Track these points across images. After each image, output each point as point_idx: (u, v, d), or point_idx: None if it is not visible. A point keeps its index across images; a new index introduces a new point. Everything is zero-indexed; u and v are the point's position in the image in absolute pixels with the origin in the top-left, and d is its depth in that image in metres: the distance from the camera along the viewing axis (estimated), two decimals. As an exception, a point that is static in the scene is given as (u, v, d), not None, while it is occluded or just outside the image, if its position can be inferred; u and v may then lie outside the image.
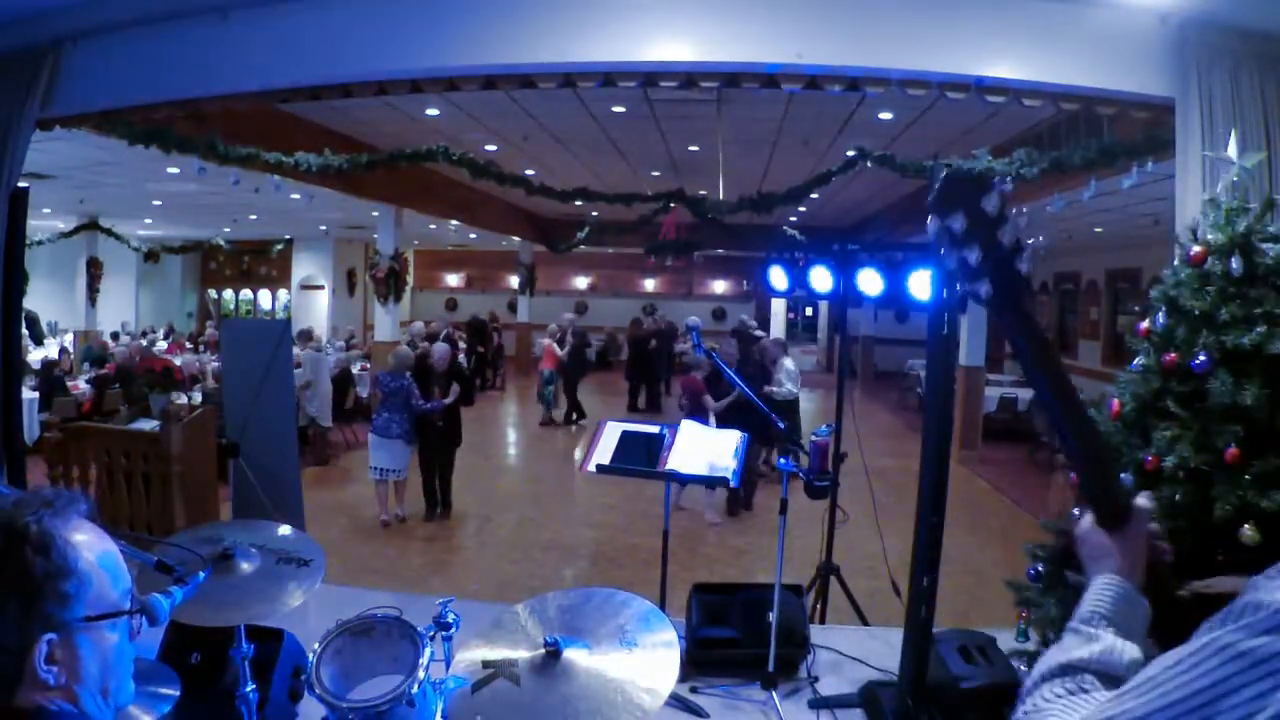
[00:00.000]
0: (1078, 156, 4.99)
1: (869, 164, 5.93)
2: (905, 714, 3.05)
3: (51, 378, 9.49)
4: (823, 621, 4.41)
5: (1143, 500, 1.00)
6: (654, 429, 4.19)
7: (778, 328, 17.97)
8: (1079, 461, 1.01)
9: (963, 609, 4.89)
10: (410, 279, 14.94)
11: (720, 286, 21.54)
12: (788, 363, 8.14)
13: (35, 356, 11.77)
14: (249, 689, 2.35)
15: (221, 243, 15.14)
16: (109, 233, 13.75)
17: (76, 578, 0.89)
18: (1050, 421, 1.01)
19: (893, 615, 4.09)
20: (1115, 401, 2.57)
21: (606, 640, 1.92)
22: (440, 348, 7.29)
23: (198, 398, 8.81)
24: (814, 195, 7.32)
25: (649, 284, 21.64)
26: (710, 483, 3.82)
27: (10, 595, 0.86)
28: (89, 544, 0.93)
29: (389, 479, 6.80)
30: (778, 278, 4.61)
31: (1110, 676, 0.86)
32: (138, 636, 1.01)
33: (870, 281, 3.96)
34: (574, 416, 12.18)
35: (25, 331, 12.99)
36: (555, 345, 11.82)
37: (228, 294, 20.36)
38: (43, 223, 13.27)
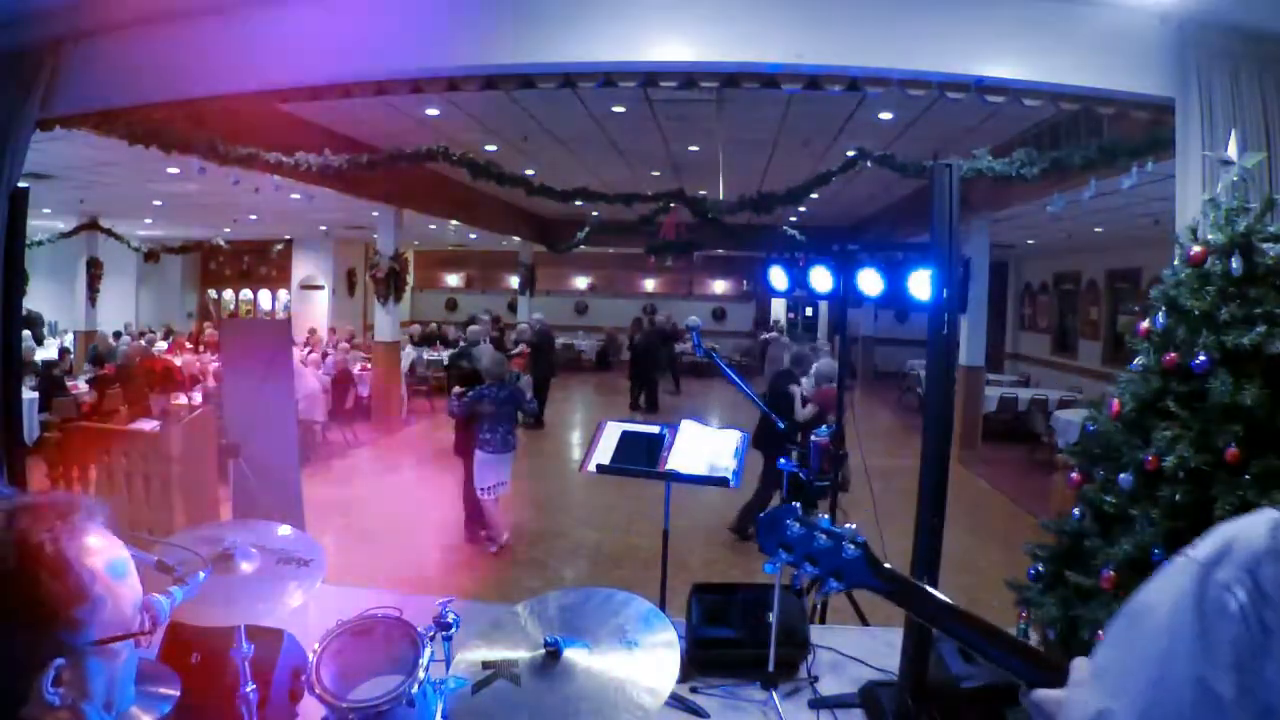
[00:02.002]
0: (1078, 156, 4.99)
1: (869, 164, 5.92)
2: (905, 714, 3.05)
3: (51, 378, 9.49)
4: (823, 621, 4.41)
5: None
6: (654, 429, 4.19)
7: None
8: (1007, 665, 1.07)
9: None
10: (410, 279, 14.94)
11: (720, 286, 21.53)
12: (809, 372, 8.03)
13: (36, 357, 11.78)
14: (249, 689, 2.35)
15: (221, 243, 15.13)
16: (109, 233, 13.74)
17: (91, 603, 0.85)
18: (968, 643, 1.14)
19: (893, 615, 4.09)
20: (1115, 401, 2.57)
21: (606, 640, 1.92)
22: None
23: (198, 398, 8.81)
24: (814, 195, 7.31)
25: (649, 284, 21.63)
26: (710, 483, 3.82)
27: (21, 620, 0.82)
28: (104, 558, 0.88)
29: (498, 494, 6.20)
30: (778, 278, 4.61)
31: None
32: (146, 646, 0.97)
33: (870, 281, 3.96)
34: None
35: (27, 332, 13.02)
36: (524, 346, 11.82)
37: (228, 294, 20.36)
38: (43, 223, 13.26)
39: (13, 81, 4.18)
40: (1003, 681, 3.10)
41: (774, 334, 16.03)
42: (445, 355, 14.53)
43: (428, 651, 2.26)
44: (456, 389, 6.29)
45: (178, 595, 1.49)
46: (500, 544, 6.20)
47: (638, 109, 7.51)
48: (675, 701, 3.35)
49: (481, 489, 6.07)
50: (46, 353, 12.37)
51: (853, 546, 1.18)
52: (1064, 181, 5.81)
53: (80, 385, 9.96)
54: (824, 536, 1.20)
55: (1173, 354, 2.39)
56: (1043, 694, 0.96)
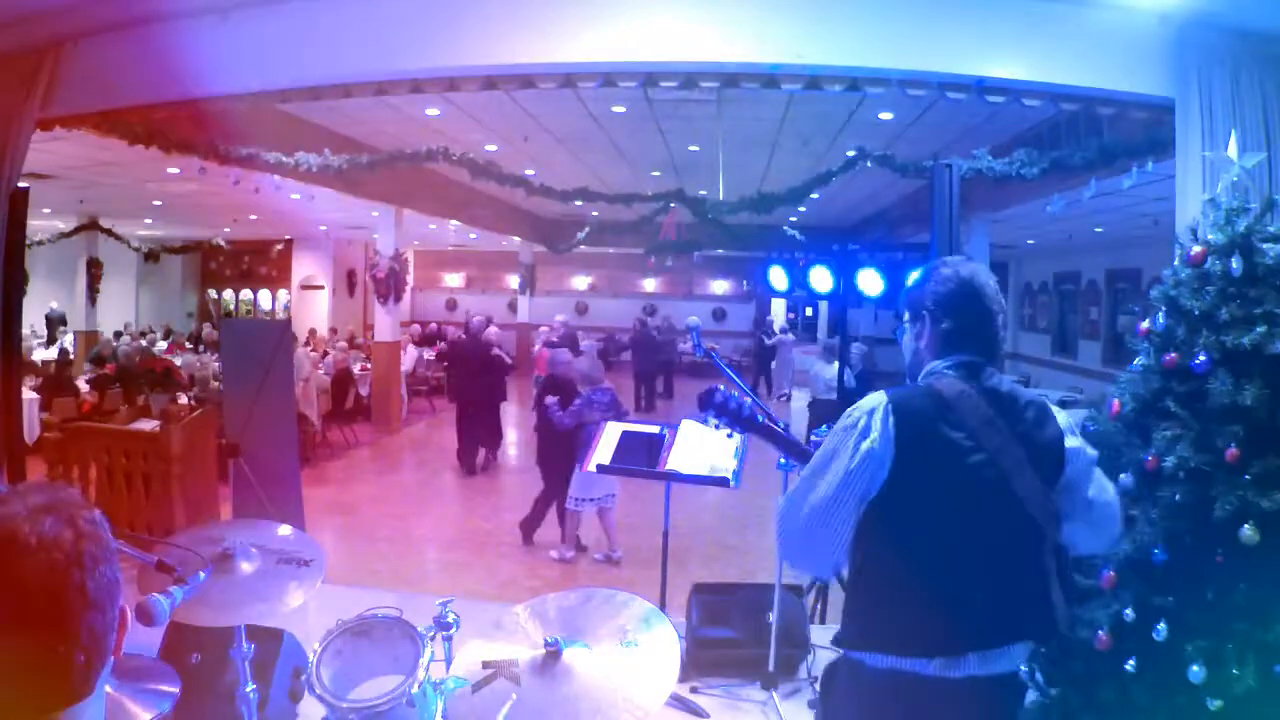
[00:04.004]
0: (1078, 156, 4.99)
1: (869, 164, 5.92)
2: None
3: (61, 377, 9.50)
4: (823, 621, 4.41)
5: None
6: (654, 429, 4.19)
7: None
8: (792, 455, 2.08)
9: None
10: (410, 279, 14.93)
11: (720, 286, 21.52)
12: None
13: (38, 356, 11.79)
14: (249, 689, 2.35)
15: (221, 243, 15.14)
16: (109, 233, 13.74)
17: None
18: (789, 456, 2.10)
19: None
20: (1115, 401, 2.57)
21: (606, 640, 1.92)
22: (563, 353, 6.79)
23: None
24: (814, 195, 7.31)
25: (649, 284, 21.63)
26: (710, 483, 3.81)
27: None
28: None
29: (608, 504, 5.80)
30: (778, 278, 4.62)
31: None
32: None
33: (870, 281, 3.97)
34: None
35: (29, 330, 13.03)
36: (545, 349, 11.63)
37: (228, 294, 20.36)
38: (43, 223, 13.26)
39: (13, 81, 4.18)
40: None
41: (781, 336, 15.91)
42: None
43: (428, 651, 2.27)
44: (551, 398, 5.94)
45: (178, 595, 1.49)
46: (571, 557, 5.90)
47: (638, 109, 7.51)
48: (675, 701, 3.35)
49: (581, 500, 5.69)
50: (49, 353, 12.39)
51: (748, 403, 2.07)
52: (1064, 181, 5.81)
53: (80, 385, 9.96)
54: (734, 402, 2.05)
55: (1173, 354, 2.38)
56: None
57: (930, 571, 1.61)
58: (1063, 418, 1.75)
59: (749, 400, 2.07)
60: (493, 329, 9.23)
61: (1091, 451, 1.77)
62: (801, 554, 1.75)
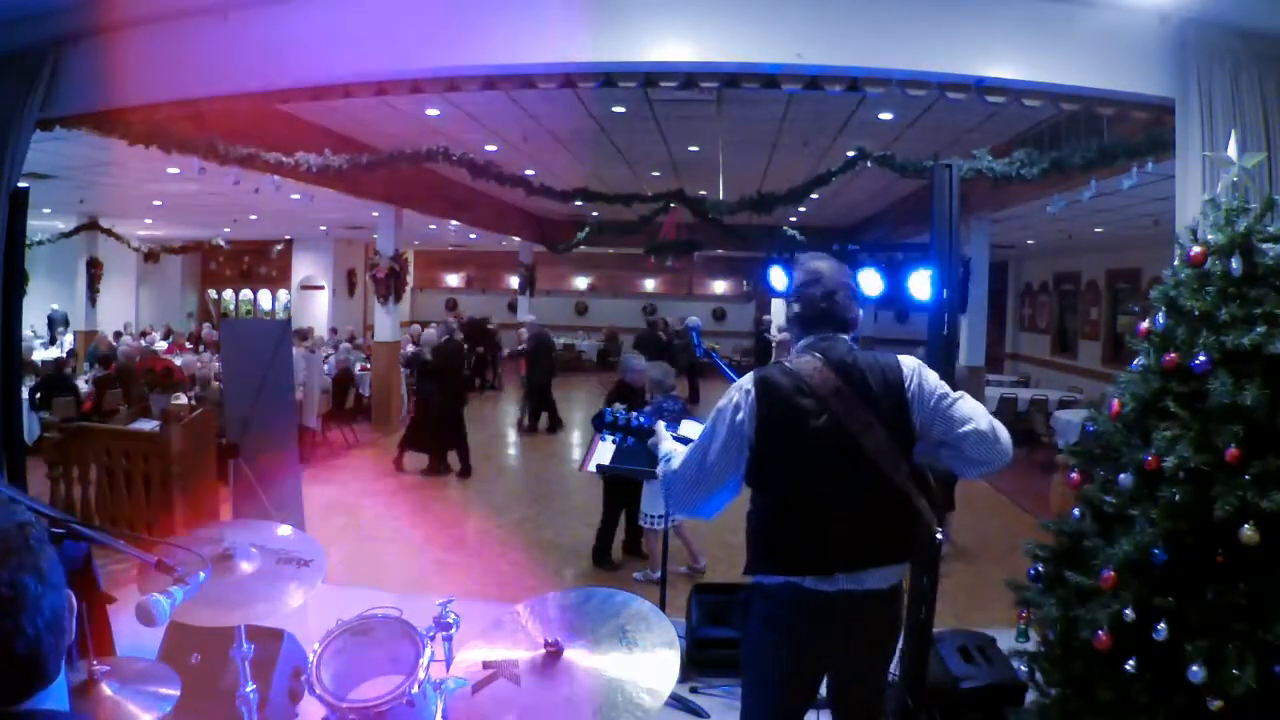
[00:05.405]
0: (1078, 156, 4.98)
1: (869, 164, 5.91)
2: (905, 714, 3.05)
3: (62, 376, 9.49)
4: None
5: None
6: (654, 429, 4.18)
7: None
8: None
9: (963, 609, 4.89)
10: (410, 279, 14.91)
11: (720, 286, 21.52)
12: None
13: (38, 356, 11.78)
14: (249, 689, 2.35)
15: (221, 243, 15.13)
16: (109, 233, 13.73)
17: None
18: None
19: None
20: (1115, 401, 2.57)
21: (606, 640, 1.92)
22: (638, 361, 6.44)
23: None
24: (814, 195, 7.30)
25: (649, 284, 21.63)
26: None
27: None
28: None
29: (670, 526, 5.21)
30: (778, 278, 4.61)
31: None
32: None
33: (870, 282, 3.96)
34: (537, 423, 11.54)
35: (30, 331, 13.04)
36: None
37: (228, 294, 20.35)
38: (43, 223, 13.25)
39: (13, 81, 4.18)
40: (1003, 681, 3.10)
41: (780, 335, 15.98)
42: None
43: (428, 651, 2.26)
44: (619, 406, 5.81)
45: (178, 595, 1.49)
46: (698, 568, 5.63)
47: (638, 109, 7.51)
48: (675, 701, 3.35)
49: (655, 517, 5.29)
50: (51, 353, 12.38)
51: (633, 415, 2.48)
52: (1064, 182, 5.81)
53: (81, 385, 9.95)
54: (622, 414, 2.49)
55: (1173, 354, 2.38)
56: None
57: (794, 512, 2.06)
58: (910, 372, 2.09)
59: (633, 413, 2.48)
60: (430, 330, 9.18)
61: (941, 392, 2.08)
62: (686, 501, 2.16)
